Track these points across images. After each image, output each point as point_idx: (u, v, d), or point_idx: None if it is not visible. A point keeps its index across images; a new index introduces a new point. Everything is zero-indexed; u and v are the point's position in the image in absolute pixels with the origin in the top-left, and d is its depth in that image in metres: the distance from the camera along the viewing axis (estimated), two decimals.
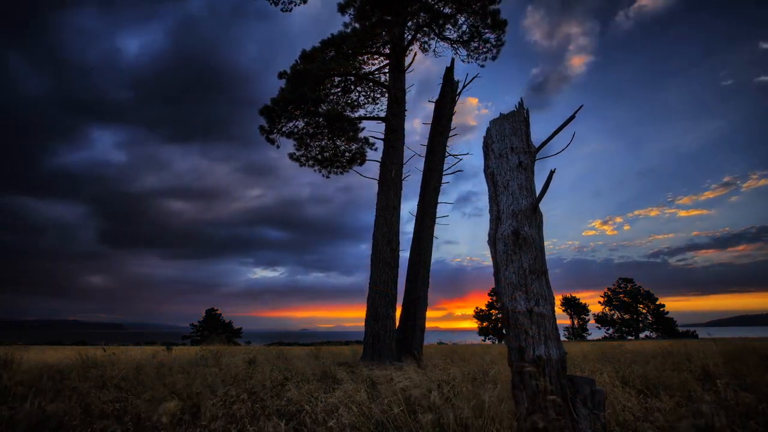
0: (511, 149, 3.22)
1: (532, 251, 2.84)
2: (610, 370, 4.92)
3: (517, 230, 2.88)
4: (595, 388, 2.65)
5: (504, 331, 2.81)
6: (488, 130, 3.49)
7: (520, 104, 3.46)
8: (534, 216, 2.96)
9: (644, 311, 45.20)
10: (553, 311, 2.79)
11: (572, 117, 3.09)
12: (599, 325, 46.95)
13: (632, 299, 45.78)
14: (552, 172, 2.89)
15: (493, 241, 3.05)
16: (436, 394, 2.70)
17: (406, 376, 3.58)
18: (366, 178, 10.05)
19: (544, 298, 2.78)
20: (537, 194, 3.02)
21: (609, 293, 47.45)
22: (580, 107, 3.20)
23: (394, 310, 8.45)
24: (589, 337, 44.32)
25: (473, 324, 48.17)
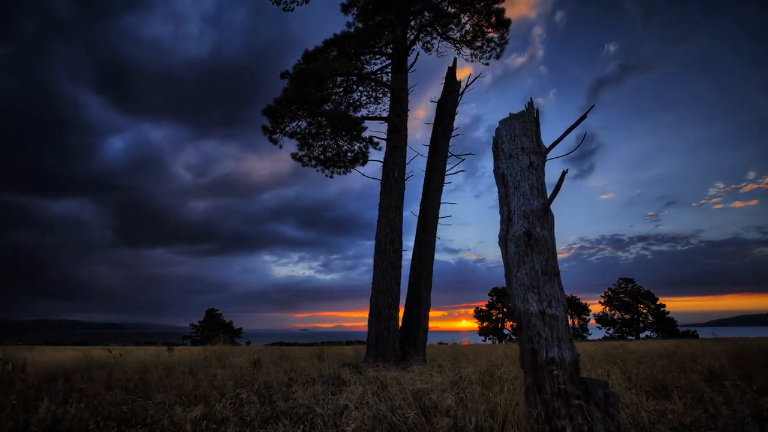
0: (522, 149, 3.20)
1: (545, 252, 2.83)
2: (616, 371, 4.89)
3: (529, 231, 2.86)
4: (609, 390, 2.63)
5: (515, 333, 2.79)
6: (497, 130, 3.46)
7: (530, 104, 3.44)
8: (546, 217, 2.94)
9: (645, 311, 45.21)
10: (566, 313, 2.77)
11: (584, 117, 3.07)
12: (600, 325, 46.93)
13: (633, 299, 45.78)
14: (564, 173, 2.87)
15: (504, 242, 3.03)
16: (450, 397, 2.68)
17: (415, 378, 3.56)
18: (369, 178, 10.02)
19: (557, 300, 2.76)
20: (548, 195, 3.00)
21: (609, 293, 47.47)
22: (592, 107, 3.18)
23: (397, 310, 8.43)
24: (589, 337, 44.34)
25: (474, 324, 48.10)
